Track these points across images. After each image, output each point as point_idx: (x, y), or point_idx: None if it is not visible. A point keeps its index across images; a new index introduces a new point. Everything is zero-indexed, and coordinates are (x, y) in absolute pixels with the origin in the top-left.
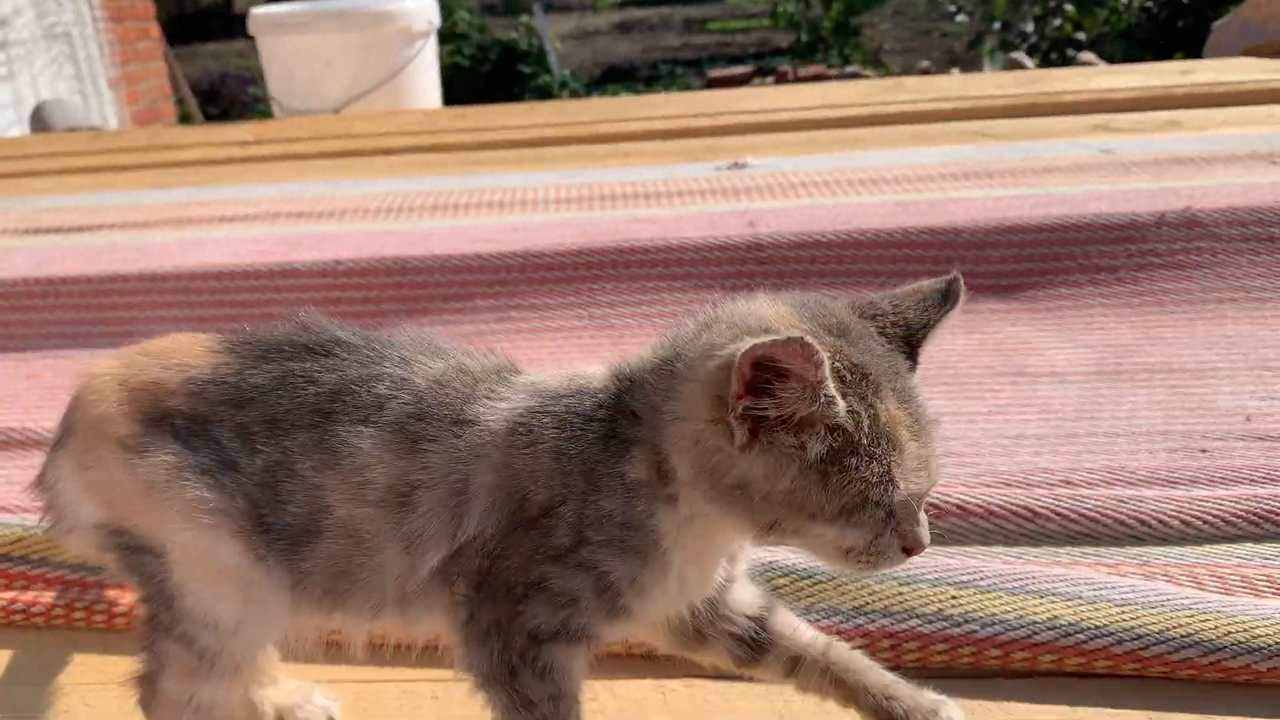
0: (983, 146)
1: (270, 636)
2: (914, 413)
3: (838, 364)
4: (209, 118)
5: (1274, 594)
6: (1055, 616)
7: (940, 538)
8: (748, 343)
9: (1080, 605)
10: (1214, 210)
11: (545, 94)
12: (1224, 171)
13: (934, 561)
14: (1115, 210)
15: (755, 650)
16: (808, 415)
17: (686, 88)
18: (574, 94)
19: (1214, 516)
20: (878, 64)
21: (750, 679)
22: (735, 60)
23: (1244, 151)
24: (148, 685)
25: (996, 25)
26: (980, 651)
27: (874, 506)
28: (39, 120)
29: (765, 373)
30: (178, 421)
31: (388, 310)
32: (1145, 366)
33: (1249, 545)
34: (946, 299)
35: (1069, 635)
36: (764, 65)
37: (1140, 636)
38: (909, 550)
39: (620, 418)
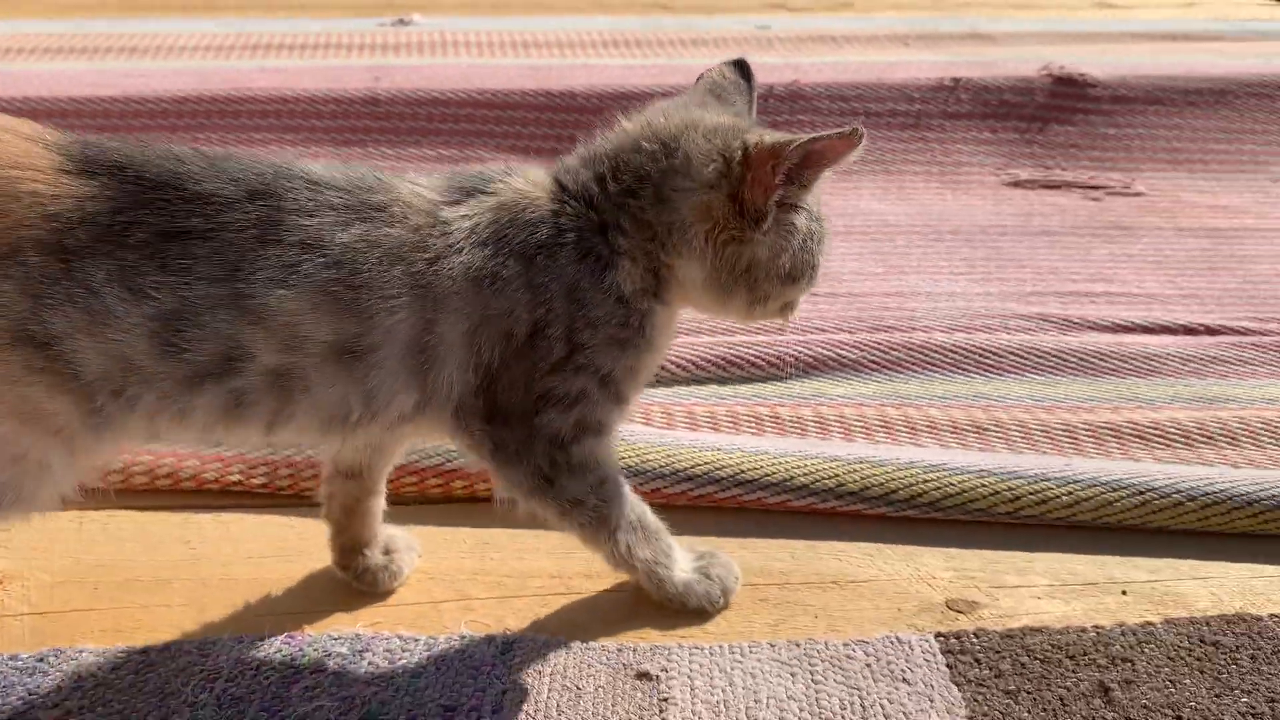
0: (651, 18)
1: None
2: None
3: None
4: None
5: (710, 428)
6: None
7: None
8: (801, 137)
9: None
10: (818, 84)
11: None
12: (857, 50)
13: None
14: None
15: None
16: (800, 197)
17: None
18: None
19: (688, 362)
20: None
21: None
22: None
23: (885, 32)
24: None
25: None
26: (423, 480)
27: (820, 263)
28: None
29: (813, 165)
30: (30, 259)
31: None
32: None
33: (713, 386)
34: (748, 76)
35: None
36: None
37: None
38: None
39: (591, 235)
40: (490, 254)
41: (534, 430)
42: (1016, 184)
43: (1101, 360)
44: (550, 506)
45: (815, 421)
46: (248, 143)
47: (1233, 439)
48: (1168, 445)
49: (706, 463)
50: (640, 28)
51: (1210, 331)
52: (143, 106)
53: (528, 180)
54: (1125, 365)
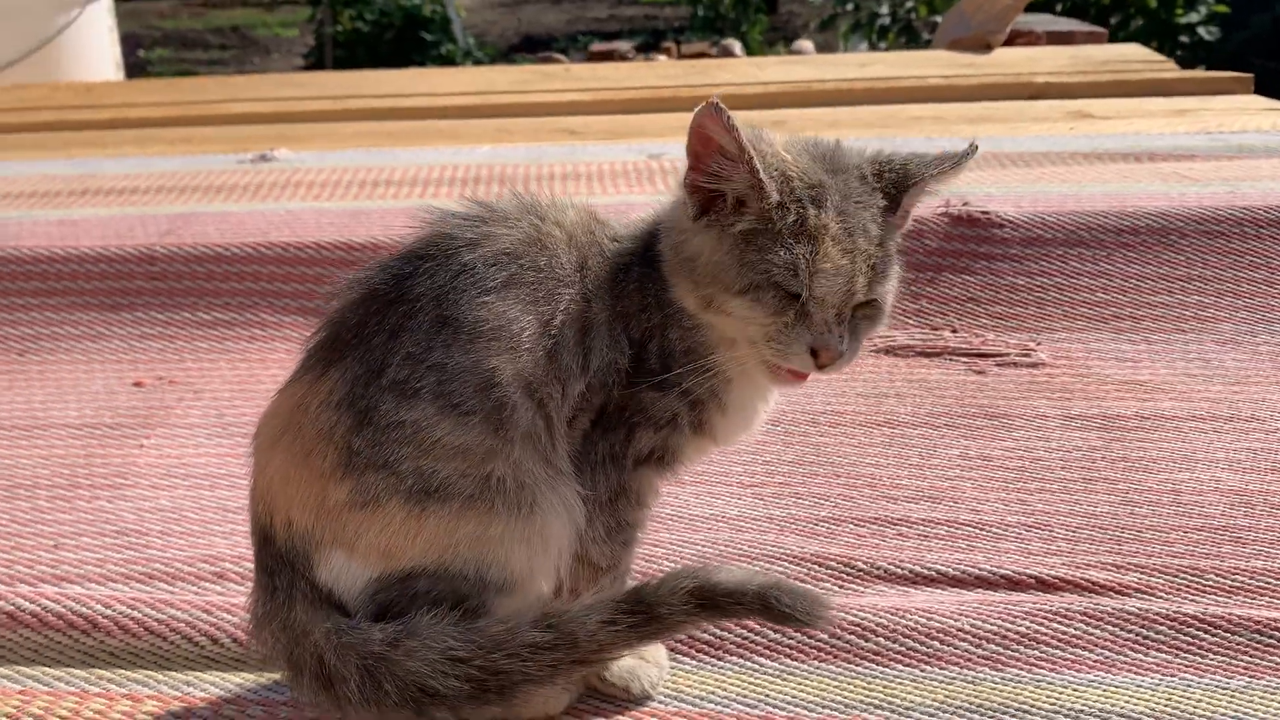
0: (546, 147)
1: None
2: (849, 230)
3: (792, 172)
4: None
5: None
6: None
7: None
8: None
9: None
10: None
11: (448, 64)
12: None
13: None
14: None
15: None
16: (743, 197)
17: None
18: (478, 64)
19: None
20: (788, 40)
21: None
22: (658, 35)
23: None
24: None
25: (850, 5)
26: None
27: (776, 289)
28: None
29: (710, 152)
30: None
31: None
32: None
33: None
34: (957, 163)
35: None
36: (660, 41)
37: None
38: (814, 351)
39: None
40: (621, 255)
41: (627, 443)
42: (890, 350)
43: (862, 639)
44: (603, 521)
45: None
46: (7, 309)
47: None
48: None
49: None
50: (526, 158)
51: (1042, 585)
52: None
53: None
54: (893, 648)
